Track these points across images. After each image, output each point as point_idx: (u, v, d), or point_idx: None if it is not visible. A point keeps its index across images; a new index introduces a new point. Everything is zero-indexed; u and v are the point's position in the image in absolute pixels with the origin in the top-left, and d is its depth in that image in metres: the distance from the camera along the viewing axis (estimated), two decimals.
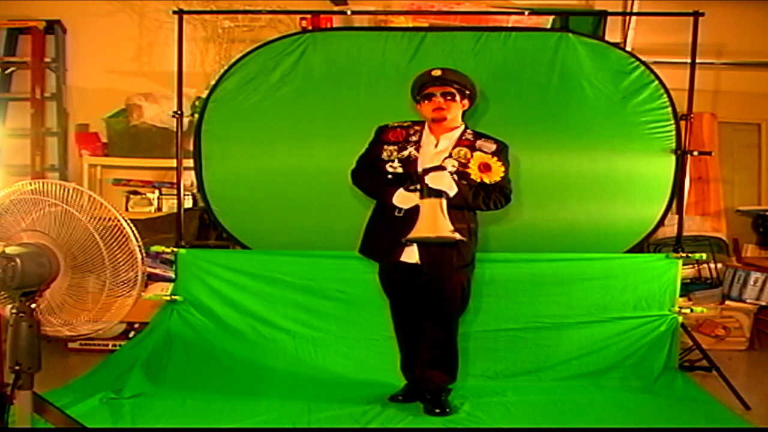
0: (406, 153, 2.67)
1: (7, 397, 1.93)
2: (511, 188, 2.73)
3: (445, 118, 2.67)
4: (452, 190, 2.55)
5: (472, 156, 2.62)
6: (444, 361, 2.80)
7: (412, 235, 2.53)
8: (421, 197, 2.54)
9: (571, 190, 3.32)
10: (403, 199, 2.61)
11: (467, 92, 2.73)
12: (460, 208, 2.62)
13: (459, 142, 2.69)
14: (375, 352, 3.15)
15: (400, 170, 2.66)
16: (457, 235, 2.53)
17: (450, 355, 2.82)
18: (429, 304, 2.73)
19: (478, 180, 2.60)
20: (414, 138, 2.71)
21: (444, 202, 2.53)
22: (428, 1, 4.23)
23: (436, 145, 2.70)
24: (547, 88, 3.31)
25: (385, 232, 2.69)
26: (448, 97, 2.66)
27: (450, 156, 2.63)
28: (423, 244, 2.60)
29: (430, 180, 2.54)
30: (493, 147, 2.68)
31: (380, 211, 2.75)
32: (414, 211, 2.58)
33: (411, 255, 2.65)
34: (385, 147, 2.71)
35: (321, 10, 3.70)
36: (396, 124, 2.77)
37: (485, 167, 2.60)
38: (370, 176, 2.75)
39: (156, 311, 3.28)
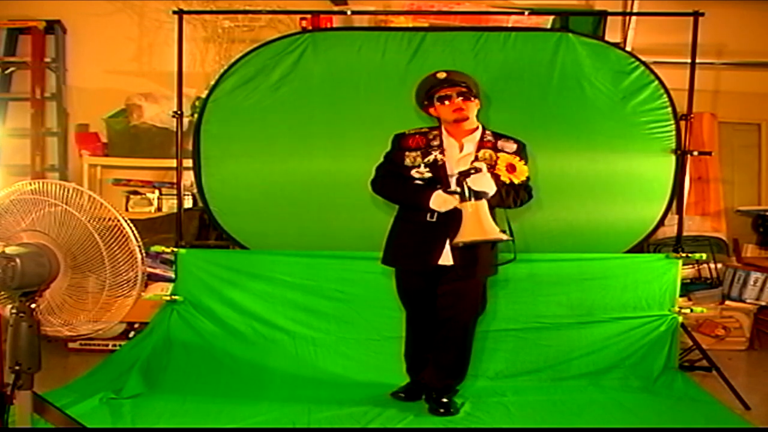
0: (431, 158, 2.64)
1: (7, 397, 1.93)
2: (531, 185, 2.77)
3: (467, 117, 2.67)
4: (492, 190, 2.54)
5: (497, 157, 2.62)
6: (456, 362, 2.80)
7: (461, 238, 2.50)
8: (462, 200, 2.51)
9: (571, 190, 3.32)
10: (441, 202, 2.57)
11: (474, 91, 2.72)
12: (494, 207, 2.61)
13: (482, 144, 2.68)
14: (375, 352, 3.15)
15: (428, 175, 2.63)
16: (505, 236, 2.53)
17: (463, 357, 2.81)
18: (450, 304, 2.70)
19: (508, 181, 2.60)
20: (435, 143, 2.68)
21: (485, 203, 2.51)
22: (428, 1, 4.23)
23: (460, 149, 2.69)
24: (547, 88, 3.31)
25: (419, 239, 2.67)
26: (465, 97, 2.66)
27: (477, 159, 2.62)
28: (458, 248, 2.58)
29: (473, 182, 2.49)
30: (514, 147, 2.70)
31: (408, 218, 2.73)
32: (448, 215, 2.57)
33: (447, 258, 2.65)
34: (407, 154, 2.68)
35: (321, 10, 3.70)
36: (413, 131, 2.74)
37: (511, 168, 2.61)
38: (397, 183, 2.72)
39: (156, 311, 3.28)
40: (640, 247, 3.42)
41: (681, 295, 3.34)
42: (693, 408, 2.84)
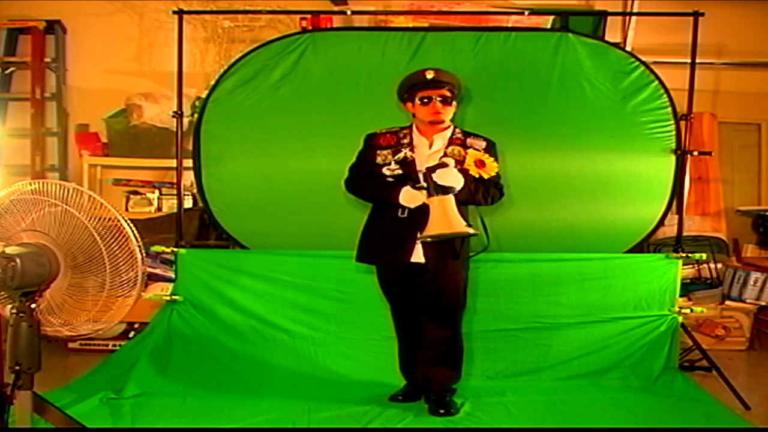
0: (401, 155, 2.68)
1: (7, 397, 1.93)
2: (502, 183, 2.80)
3: (443, 121, 2.72)
4: (459, 185, 2.57)
5: (466, 153, 2.65)
6: (449, 359, 2.81)
7: (427, 233, 2.54)
8: (429, 195, 2.55)
9: (571, 190, 3.32)
10: (410, 197, 2.61)
11: (457, 92, 2.75)
12: (464, 203, 2.65)
13: (451, 141, 2.72)
14: (375, 352, 3.15)
15: (399, 172, 2.66)
16: (471, 230, 2.57)
17: (455, 353, 2.82)
18: (432, 302, 2.74)
19: (477, 176, 2.63)
20: (405, 140, 2.73)
21: (452, 198, 2.55)
22: (428, 1, 4.23)
23: (430, 146, 2.72)
24: (547, 88, 3.31)
25: (391, 235, 2.69)
26: (445, 102, 2.69)
27: (445, 155, 2.66)
28: (427, 243, 2.61)
29: (438, 177, 2.53)
30: (483, 144, 2.73)
31: (381, 215, 2.75)
32: (418, 211, 2.59)
33: (419, 255, 2.66)
34: (378, 152, 2.72)
35: (321, 10, 3.70)
36: (385, 130, 2.79)
37: (480, 163, 2.63)
38: (369, 181, 2.75)
39: (156, 311, 3.28)
40: (640, 247, 3.42)
41: (681, 295, 3.34)
42: (693, 408, 2.83)
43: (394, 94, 2.84)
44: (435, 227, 2.52)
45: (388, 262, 2.76)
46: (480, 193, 2.68)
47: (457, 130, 2.76)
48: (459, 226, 2.52)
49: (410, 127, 2.78)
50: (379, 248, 2.75)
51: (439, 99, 2.68)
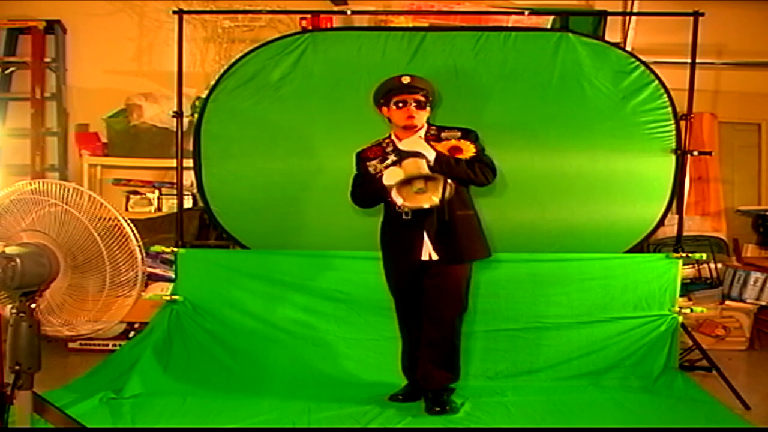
0: (388, 161, 2.77)
1: (7, 397, 1.94)
2: (494, 162, 2.84)
3: (416, 126, 2.78)
4: (429, 153, 2.66)
5: (440, 145, 2.74)
6: (446, 360, 2.83)
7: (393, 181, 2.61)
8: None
9: (571, 190, 3.32)
10: (388, 174, 2.67)
11: (431, 98, 2.82)
12: (445, 173, 2.66)
13: (426, 138, 2.78)
14: (375, 352, 3.15)
15: None
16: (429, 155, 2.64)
17: (452, 354, 2.85)
18: (433, 301, 2.77)
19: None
20: (389, 148, 2.82)
21: (423, 161, 2.63)
22: (428, 1, 4.23)
23: None
24: (547, 88, 3.31)
25: (401, 237, 2.78)
26: (420, 106, 2.76)
27: None
28: (433, 238, 2.69)
29: (404, 144, 2.69)
30: (458, 134, 2.80)
31: (389, 222, 2.85)
32: (421, 212, 2.66)
33: (427, 253, 2.74)
34: (369, 164, 2.83)
35: (321, 10, 3.70)
36: (370, 144, 2.88)
37: (455, 149, 2.73)
38: (364, 186, 2.85)
39: (156, 311, 3.28)
40: (640, 247, 3.42)
41: (681, 295, 3.34)
42: (693, 408, 2.83)
43: None
44: (406, 170, 2.61)
45: (403, 264, 2.82)
46: (461, 166, 2.73)
47: (432, 127, 2.83)
48: (424, 167, 2.61)
49: (390, 136, 2.85)
50: (393, 252, 2.85)
51: (414, 104, 2.75)
